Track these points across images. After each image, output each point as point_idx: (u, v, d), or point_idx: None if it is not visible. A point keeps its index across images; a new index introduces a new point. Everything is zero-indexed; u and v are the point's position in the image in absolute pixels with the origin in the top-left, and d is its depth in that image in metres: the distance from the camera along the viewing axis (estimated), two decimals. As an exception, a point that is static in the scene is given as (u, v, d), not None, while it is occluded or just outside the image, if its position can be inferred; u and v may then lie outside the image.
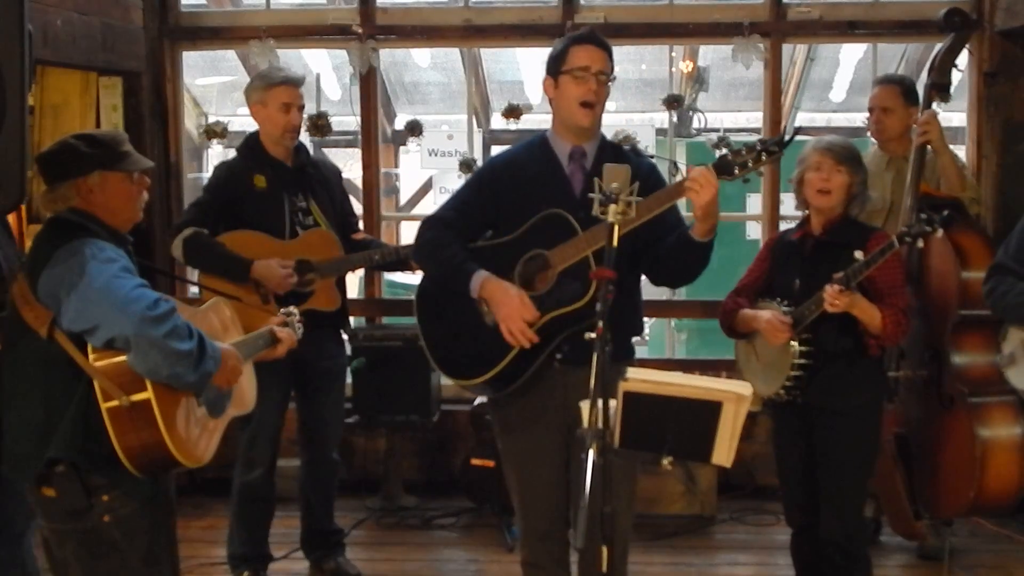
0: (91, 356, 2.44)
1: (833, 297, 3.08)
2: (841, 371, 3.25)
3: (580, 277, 2.92)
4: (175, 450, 2.47)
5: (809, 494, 3.35)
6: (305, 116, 4.21)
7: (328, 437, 4.23)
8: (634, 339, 3.26)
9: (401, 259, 4.12)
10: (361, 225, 4.59)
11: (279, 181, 4.01)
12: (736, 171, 2.83)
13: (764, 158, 2.83)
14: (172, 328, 2.41)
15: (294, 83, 4.01)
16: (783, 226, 5.22)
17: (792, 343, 3.22)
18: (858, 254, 3.09)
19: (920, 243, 3.09)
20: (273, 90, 3.96)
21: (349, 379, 4.92)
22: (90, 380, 2.44)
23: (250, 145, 4.07)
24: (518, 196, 3.06)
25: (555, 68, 3.06)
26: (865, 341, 3.23)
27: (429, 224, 3.17)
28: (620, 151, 3.14)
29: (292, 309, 3.18)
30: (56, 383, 2.48)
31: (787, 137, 2.89)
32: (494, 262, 3.05)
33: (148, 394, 2.43)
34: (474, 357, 3.08)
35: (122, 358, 2.42)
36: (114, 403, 2.42)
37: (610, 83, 3.05)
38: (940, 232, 3.07)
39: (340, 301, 4.08)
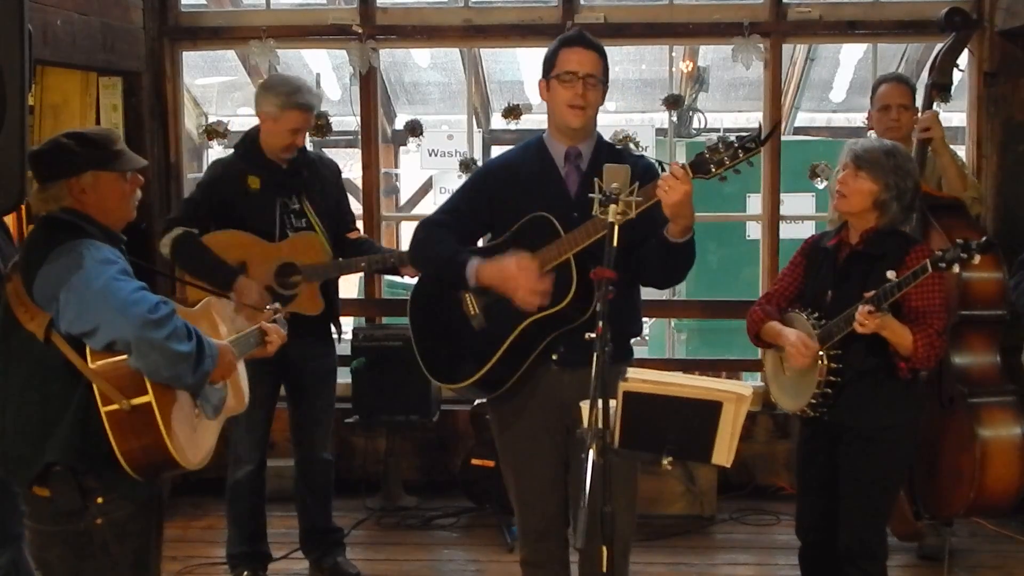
0: (89, 358, 2.42)
1: (863, 318, 2.95)
2: (867, 391, 3.13)
3: (561, 280, 2.91)
4: (175, 453, 2.46)
5: (825, 511, 3.26)
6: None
7: (318, 437, 4.21)
8: (633, 340, 3.24)
9: (389, 266, 4.07)
10: (361, 225, 4.56)
11: (272, 183, 3.98)
12: (712, 169, 2.73)
13: (741, 155, 2.72)
14: (172, 330, 2.40)
15: (309, 109, 3.96)
16: (783, 226, 5.22)
17: (820, 359, 3.11)
18: (890, 274, 2.95)
19: (956, 268, 2.94)
20: (287, 113, 3.90)
21: (349, 379, 4.94)
22: (89, 383, 2.42)
23: (248, 144, 4.03)
24: (513, 198, 3.05)
25: (547, 71, 3.06)
26: (894, 362, 3.09)
27: (421, 226, 3.17)
28: (615, 151, 3.13)
29: (276, 305, 3.17)
30: (54, 386, 2.46)
31: (764, 134, 2.77)
32: None
33: (148, 397, 2.42)
34: (461, 360, 3.09)
35: (121, 358, 2.41)
36: (114, 407, 2.40)
37: (602, 83, 3.01)
38: (977, 259, 2.91)
39: (323, 306, 4.01)
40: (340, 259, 4.09)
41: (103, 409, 2.41)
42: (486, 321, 3.06)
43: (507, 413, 3.16)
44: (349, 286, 5.63)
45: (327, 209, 4.11)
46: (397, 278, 5.87)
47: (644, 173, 2.84)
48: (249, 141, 4.04)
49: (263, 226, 3.96)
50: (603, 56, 3.04)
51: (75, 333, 2.41)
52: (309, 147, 4.21)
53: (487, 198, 3.11)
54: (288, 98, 3.92)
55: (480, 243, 3.24)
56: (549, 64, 3.05)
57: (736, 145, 2.72)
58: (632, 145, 5.12)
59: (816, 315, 3.16)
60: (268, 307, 3.14)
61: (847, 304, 3.05)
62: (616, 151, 3.13)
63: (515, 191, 3.05)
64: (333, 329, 4.22)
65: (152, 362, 2.38)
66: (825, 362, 3.11)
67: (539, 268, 2.90)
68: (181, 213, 4.02)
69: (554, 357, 3.02)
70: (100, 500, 2.49)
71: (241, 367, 2.92)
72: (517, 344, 2.99)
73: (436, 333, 3.18)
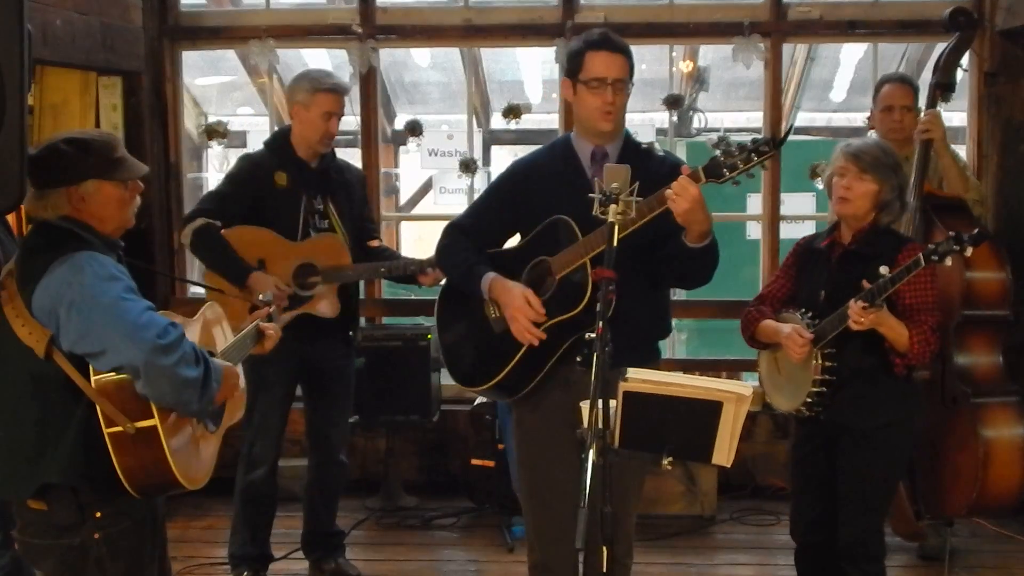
0: (92, 378, 2.34)
1: (857, 315, 2.95)
2: (864, 389, 3.13)
3: (577, 284, 2.91)
4: (179, 475, 2.40)
5: (822, 511, 3.26)
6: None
7: (337, 439, 4.22)
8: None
9: (408, 274, 4.07)
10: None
11: (300, 181, 3.98)
12: (725, 173, 2.72)
13: (755, 159, 2.71)
14: (181, 355, 2.32)
15: (341, 91, 3.98)
16: (783, 226, 5.22)
17: (814, 358, 3.11)
18: (883, 269, 2.94)
19: (948, 261, 2.94)
20: (318, 96, 3.90)
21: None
22: (90, 401, 2.34)
23: (278, 141, 4.04)
24: (540, 199, 3.04)
25: (572, 73, 3.03)
26: (890, 359, 3.08)
27: (446, 231, 3.20)
28: (642, 150, 3.08)
29: (269, 297, 3.12)
30: (53, 404, 2.37)
31: (780, 137, 2.77)
32: (505, 268, 3.06)
33: (153, 421, 2.35)
34: (481, 363, 3.09)
35: (124, 376, 2.33)
36: (117, 428, 2.33)
37: (631, 84, 3.02)
38: (969, 251, 2.91)
39: (340, 309, 4.02)
40: (359, 264, 4.09)
41: (106, 430, 2.34)
42: (506, 325, 3.05)
43: (527, 412, 3.15)
44: (349, 286, 5.61)
45: (351, 214, 4.12)
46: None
47: (670, 174, 2.82)
48: (280, 137, 4.05)
49: (286, 223, 3.95)
50: (629, 56, 3.03)
51: (79, 353, 2.33)
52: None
53: (513, 200, 3.10)
54: (318, 81, 3.94)
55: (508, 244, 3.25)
56: (575, 65, 3.01)
57: (750, 148, 2.71)
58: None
59: (810, 315, 3.16)
60: (260, 298, 3.08)
61: (840, 304, 3.05)
62: (643, 151, 3.09)
63: (542, 192, 3.04)
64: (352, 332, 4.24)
65: (160, 388, 2.31)
66: (820, 361, 3.12)
67: (541, 311, 2.93)
68: (206, 204, 3.94)
69: (578, 359, 3.00)
70: (98, 514, 2.42)
71: (240, 374, 2.90)
72: (535, 349, 2.98)
73: (459, 335, 3.20)
